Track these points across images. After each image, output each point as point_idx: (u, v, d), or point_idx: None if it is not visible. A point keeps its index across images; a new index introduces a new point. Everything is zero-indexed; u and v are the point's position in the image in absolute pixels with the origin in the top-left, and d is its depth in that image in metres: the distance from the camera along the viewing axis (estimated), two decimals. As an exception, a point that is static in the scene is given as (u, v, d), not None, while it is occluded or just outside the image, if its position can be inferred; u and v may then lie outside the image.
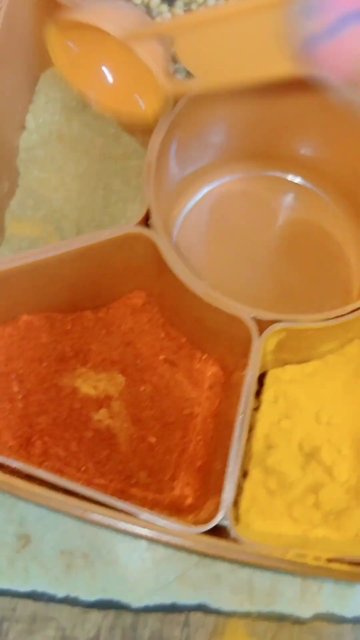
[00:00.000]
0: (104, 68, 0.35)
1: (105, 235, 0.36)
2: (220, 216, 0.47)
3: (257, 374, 0.36)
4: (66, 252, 0.36)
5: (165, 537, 0.31)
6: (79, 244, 0.36)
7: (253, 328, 0.35)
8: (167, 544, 0.31)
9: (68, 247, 0.36)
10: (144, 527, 0.31)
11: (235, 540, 0.31)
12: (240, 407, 0.35)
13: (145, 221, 0.37)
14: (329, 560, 0.33)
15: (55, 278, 0.39)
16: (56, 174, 0.48)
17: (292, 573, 0.39)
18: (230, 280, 0.45)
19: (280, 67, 0.25)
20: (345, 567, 0.32)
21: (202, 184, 0.47)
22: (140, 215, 0.37)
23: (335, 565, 0.32)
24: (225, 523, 0.34)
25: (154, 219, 0.36)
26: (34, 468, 0.32)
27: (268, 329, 0.35)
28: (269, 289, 0.45)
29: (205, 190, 0.47)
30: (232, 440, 0.34)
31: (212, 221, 0.47)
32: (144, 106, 0.35)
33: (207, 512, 0.34)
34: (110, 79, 0.35)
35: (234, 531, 0.32)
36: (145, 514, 0.31)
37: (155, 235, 0.36)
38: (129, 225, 0.36)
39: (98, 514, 0.31)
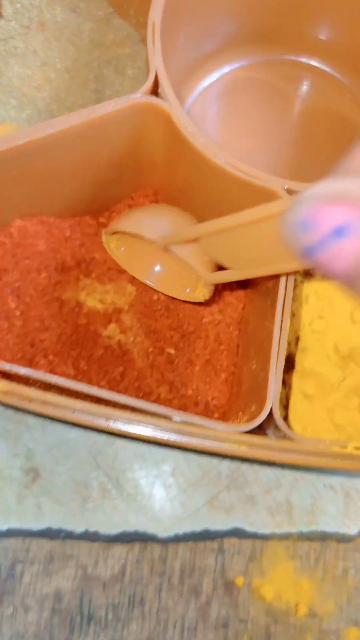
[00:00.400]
0: (152, 263, 0.38)
1: (106, 107, 0.31)
2: (232, 103, 0.42)
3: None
4: (60, 131, 0.31)
5: (206, 443, 0.27)
6: (75, 120, 0.31)
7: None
8: (207, 451, 0.27)
9: (62, 124, 0.31)
10: (181, 432, 0.27)
11: (287, 438, 0.27)
12: (279, 300, 0.30)
13: (153, 93, 0.32)
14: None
15: (48, 169, 0.33)
16: (40, 69, 0.42)
17: (349, 471, 0.35)
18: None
19: (289, 265, 0.29)
20: None
21: (212, 68, 0.42)
22: (147, 84, 0.31)
23: None
24: (269, 432, 0.30)
25: (164, 87, 0.31)
26: (47, 373, 0.27)
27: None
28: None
29: (215, 75, 0.42)
30: (270, 338, 0.30)
31: (223, 109, 0.42)
32: (190, 292, 0.37)
33: (248, 415, 0.30)
34: (159, 270, 0.38)
35: (284, 426, 0.27)
36: (181, 415, 0.27)
37: (167, 104, 0.31)
38: (135, 95, 0.31)
39: (125, 421, 0.27)
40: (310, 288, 0.38)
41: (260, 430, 0.29)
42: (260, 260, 0.31)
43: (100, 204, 0.39)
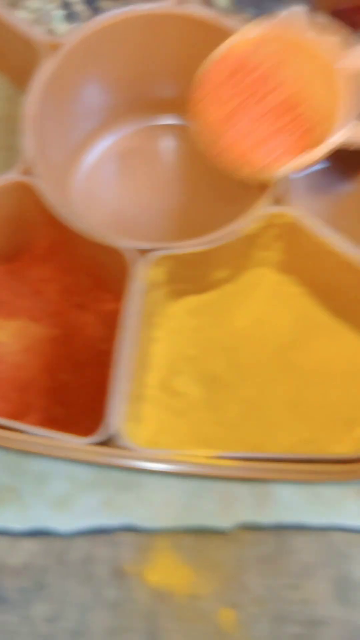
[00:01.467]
0: None
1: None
2: (121, 172, 0.50)
3: (137, 303, 0.38)
4: None
5: (56, 452, 0.34)
6: None
7: (130, 257, 0.38)
8: (62, 457, 0.34)
9: None
10: (36, 442, 0.34)
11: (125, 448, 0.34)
12: (120, 336, 0.37)
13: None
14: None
15: None
16: None
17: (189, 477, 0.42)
18: (142, 225, 0.48)
19: None
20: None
21: (94, 143, 0.50)
22: (20, 166, 0.39)
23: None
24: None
25: (38, 167, 0.39)
26: None
27: (144, 257, 0.38)
28: (177, 227, 0.47)
29: (101, 147, 0.50)
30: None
31: (114, 178, 0.49)
32: None
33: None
34: None
35: (122, 438, 0.34)
36: (36, 429, 0.34)
37: (37, 181, 0.39)
38: (8, 175, 0.39)
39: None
40: (181, 319, 0.44)
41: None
42: None
43: (9, 253, 0.46)
